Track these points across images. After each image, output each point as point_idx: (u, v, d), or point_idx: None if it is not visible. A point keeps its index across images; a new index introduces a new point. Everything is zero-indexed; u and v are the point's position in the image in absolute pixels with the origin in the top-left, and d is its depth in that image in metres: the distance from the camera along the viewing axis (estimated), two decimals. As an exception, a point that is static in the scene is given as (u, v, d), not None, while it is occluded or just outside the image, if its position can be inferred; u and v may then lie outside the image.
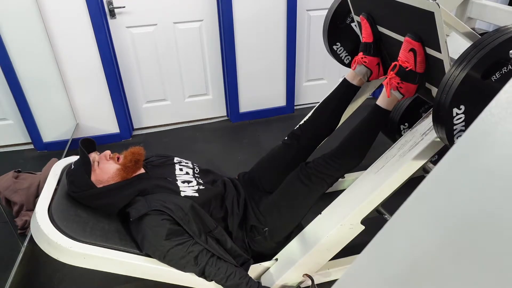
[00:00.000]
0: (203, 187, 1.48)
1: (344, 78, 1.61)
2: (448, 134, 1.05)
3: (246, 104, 2.95)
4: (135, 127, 2.89)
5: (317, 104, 1.72)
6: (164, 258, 1.29)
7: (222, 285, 1.33)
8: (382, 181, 1.30)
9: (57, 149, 2.60)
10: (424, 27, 1.13)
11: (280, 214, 1.46)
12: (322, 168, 1.45)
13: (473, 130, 0.36)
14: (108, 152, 1.42)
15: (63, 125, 2.62)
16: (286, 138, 1.68)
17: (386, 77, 1.31)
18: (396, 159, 1.32)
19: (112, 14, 2.44)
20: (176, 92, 2.84)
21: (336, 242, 1.38)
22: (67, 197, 1.43)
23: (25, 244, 1.68)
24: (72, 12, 2.30)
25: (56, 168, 1.56)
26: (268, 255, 1.52)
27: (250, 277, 1.37)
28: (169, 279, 1.37)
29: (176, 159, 1.61)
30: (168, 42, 2.62)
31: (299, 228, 1.61)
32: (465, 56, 0.97)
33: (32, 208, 1.86)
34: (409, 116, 1.98)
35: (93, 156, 1.40)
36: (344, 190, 1.45)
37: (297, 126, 1.70)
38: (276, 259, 1.50)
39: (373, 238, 0.49)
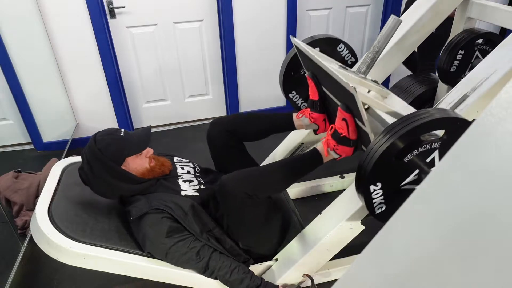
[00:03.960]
0: (204, 187, 1.48)
1: (291, 113, 1.60)
2: (369, 206, 1.12)
3: (246, 104, 2.95)
4: (135, 127, 2.89)
5: (254, 112, 1.69)
6: (166, 256, 1.29)
7: (225, 280, 1.32)
8: (382, 181, 1.30)
9: (57, 149, 2.60)
10: (350, 101, 1.17)
11: (240, 231, 1.41)
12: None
13: (473, 130, 0.36)
14: (151, 151, 1.42)
15: (63, 125, 2.62)
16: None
17: (325, 137, 1.34)
18: (396, 159, 1.32)
19: (112, 14, 2.44)
20: (176, 92, 2.84)
21: (336, 242, 1.37)
22: (67, 197, 1.43)
23: (25, 244, 1.68)
24: (72, 12, 2.30)
25: (56, 168, 1.56)
26: (268, 255, 1.52)
27: (253, 273, 1.37)
28: (169, 279, 1.37)
29: (176, 159, 1.61)
30: (168, 42, 2.62)
31: (294, 227, 1.61)
32: (378, 141, 1.04)
33: (32, 208, 1.86)
34: (409, 116, 1.98)
35: (148, 149, 1.41)
36: (344, 190, 1.45)
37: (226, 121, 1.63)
38: (276, 259, 1.50)
39: (373, 238, 0.49)
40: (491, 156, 0.34)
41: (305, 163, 1.39)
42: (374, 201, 1.11)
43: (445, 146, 1.07)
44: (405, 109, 1.36)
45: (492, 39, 1.81)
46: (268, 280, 1.41)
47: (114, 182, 1.34)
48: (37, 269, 1.73)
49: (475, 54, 1.83)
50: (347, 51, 1.70)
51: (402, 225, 0.46)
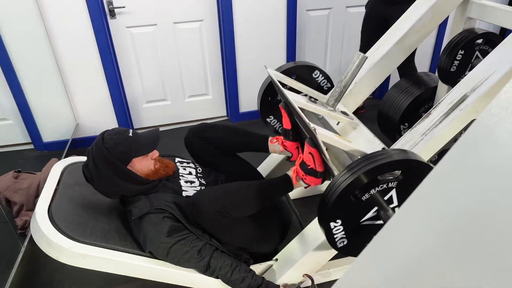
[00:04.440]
0: (205, 188, 1.48)
1: (268, 136, 1.63)
2: (330, 241, 1.15)
3: (246, 104, 2.95)
4: (135, 127, 2.89)
5: (236, 127, 1.69)
6: (168, 255, 1.29)
7: (227, 279, 1.33)
8: (382, 181, 1.30)
9: (57, 149, 2.60)
10: (315, 138, 1.21)
11: (229, 240, 1.40)
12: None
13: (473, 130, 0.36)
14: (157, 153, 1.43)
15: (63, 125, 2.62)
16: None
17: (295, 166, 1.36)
18: (396, 159, 1.32)
19: (112, 14, 2.44)
20: (176, 92, 2.84)
21: (336, 242, 1.37)
22: (67, 197, 1.43)
23: (25, 244, 1.68)
24: (72, 12, 2.30)
25: (56, 168, 1.56)
26: (268, 255, 1.52)
27: (254, 272, 1.38)
28: (169, 279, 1.37)
29: (178, 159, 1.61)
30: (168, 42, 2.63)
31: (294, 227, 1.61)
32: (336, 181, 1.07)
33: (32, 208, 1.86)
34: (409, 116, 1.98)
35: (154, 151, 1.41)
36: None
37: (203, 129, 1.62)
38: (276, 259, 1.50)
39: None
40: (491, 156, 0.34)
41: (276, 188, 1.40)
42: (335, 236, 1.14)
43: (401, 185, 1.10)
44: (370, 143, 1.39)
45: (492, 39, 1.81)
46: (269, 280, 1.41)
47: (119, 181, 1.34)
48: (37, 269, 1.73)
49: (475, 54, 1.83)
50: (323, 77, 1.77)
51: (402, 225, 0.46)
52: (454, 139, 1.36)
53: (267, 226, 1.50)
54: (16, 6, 2.20)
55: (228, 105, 2.95)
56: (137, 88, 2.75)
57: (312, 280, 1.41)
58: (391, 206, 1.12)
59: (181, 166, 1.55)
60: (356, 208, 1.11)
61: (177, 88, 2.82)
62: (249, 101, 2.93)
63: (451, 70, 1.83)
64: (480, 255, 0.34)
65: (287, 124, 1.49)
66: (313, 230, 1.43)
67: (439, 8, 1.65)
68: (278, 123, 1.84)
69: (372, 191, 1.09)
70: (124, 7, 2.43)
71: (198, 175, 1.55)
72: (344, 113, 1.54)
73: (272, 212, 1.56)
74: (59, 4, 2.26)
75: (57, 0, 2.25)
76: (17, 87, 2.39)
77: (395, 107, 2.02)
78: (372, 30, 2.57)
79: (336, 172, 1.16)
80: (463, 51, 1.80)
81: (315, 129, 1.15)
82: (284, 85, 1.65)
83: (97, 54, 2.45)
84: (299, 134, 1.49)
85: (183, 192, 1.42)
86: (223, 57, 2.75)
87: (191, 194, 1.41)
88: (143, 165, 1.37)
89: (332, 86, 1.77)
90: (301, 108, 1.43)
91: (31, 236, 1.36)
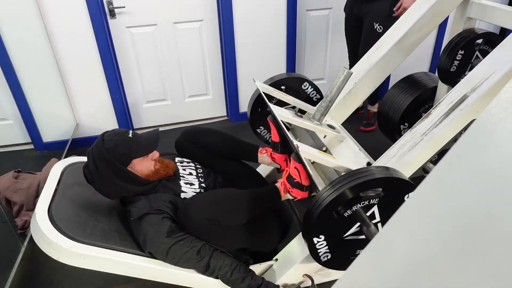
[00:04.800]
0: (204, 192, 1.48)
1: (258, 146, 1.64)
2: (314, 256, 1.16)
3: (246, 104, 2.94)
4: (135, 127, 2.89)
5: (227, 133, 1.68)
6: (167, 255, 1.29)
7: (227, 280, 1.32)
8: (382, 181, 1.30)
9: (57, 149, 2.60)
10: (299, 154, 1.21)
11: (224, 244, 1.38)
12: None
13: (473, 130, 0.36)
14: (157, 154, 1.43)
15: (63, 125, 2.62)
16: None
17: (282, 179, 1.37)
18: (396, 159, 1.32)
19: (112, 14, 2.44)
20: (176, 92, 2.84)
21: (336, 242, 1.38)
22: (67, 197, 1.43)
23: (25, 244, 1.68)
24: (72, 12, 2.30)
25: (56, 168, 1.56)
26: (268, 254, 1.52)
27: (254, 272, 1.38)
28: (169, 279, 1.37)
29: (177, 159, 1.61)
30: (168, 42, 2.63)
31: (294, 227, 1.60)
32: (319, 197, 1.08)
33: (32, 208, 1.86)
34: (409, 116, 1.98)
35: (154, 152, 1.42)
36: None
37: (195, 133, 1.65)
38: (276, 259, 1.50)
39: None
40: (491, 156, 0.34)
41: (265, 199, 1.41)
42: (318, 251, 1.15)
43: (383, 201, 1.11)
44: (356, 157, 1.40)
45: (492, 39, 1.81)
46: (268, 280, 1.41)
47: (119, 182, 1.34)
48: (37, 269, 1.73)
49: (475, 54, 1.83)
50: (312, 89, 1.79)
51: (402, 225, 0.46)
52: (454, 139, 1.36)
53: (267, 226, 1.50)
54: (16, 6, 2.20)
55: (228, 105, 2.95)
56: (137, 88, 2.75)
57: (312, 280, 1.41)
58: (374, 221, 1.13)
59: (181, 166, 1.55)
60: (339, 223, 1.12)
61: (177, 88, 2.82)
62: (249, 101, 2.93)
63: (451, 70, 1.83)
64: (480, 256, 0.34)
65: (275, 137, 1.51)
66: (313, 230, 1.43)
67: (439, 8, 1.65)
68: (268, 133, 1.86)
69: (355, 207, 1.10)
70: (124, 7, 2.43)
71: (199, 175, 1.55)
72: (331, 126, 1.55)
73: (272, 212, 1.56)
74: (59, 4, 2.26)
75: (57, 0, 2.25)
76: (17, 87, 2.39)
77: (395, 107, 2.02)
78: (352, 32, 2.58)
79: (320, 187, 1.17)
80: (463, 51, 1.80)
81: (298, 146, 1.18)
82: (273, 97, 1.66)
83: (97, 54, 2.45)
84: (288, 146, 1.50)
85: (182, 194, 1.42)
86: (223, 57, 2.75)
87: (189, 196, 1.41)
88: (143, 166, 1.38)
89: (321, 97, 1.78)
90: (288, 123, 1.44)
91: (31, 236, 1.36)
